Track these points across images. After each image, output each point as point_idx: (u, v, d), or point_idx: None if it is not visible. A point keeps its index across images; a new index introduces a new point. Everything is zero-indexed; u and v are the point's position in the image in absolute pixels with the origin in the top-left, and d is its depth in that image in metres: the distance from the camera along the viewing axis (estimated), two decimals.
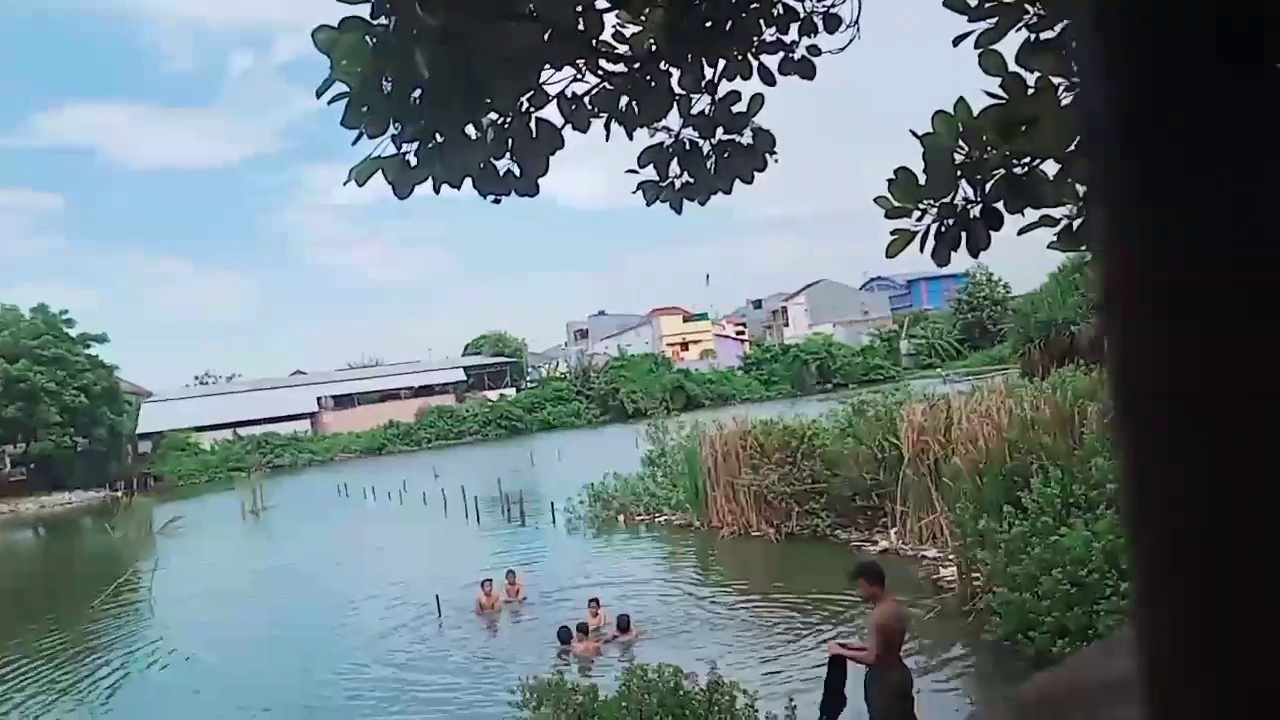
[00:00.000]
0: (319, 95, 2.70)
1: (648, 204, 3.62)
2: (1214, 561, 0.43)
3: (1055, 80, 2.54)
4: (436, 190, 2.97)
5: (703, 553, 19.55)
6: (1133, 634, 0.41)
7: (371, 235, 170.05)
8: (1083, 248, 2.78)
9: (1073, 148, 2.57)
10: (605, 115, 3.35)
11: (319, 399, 75.78)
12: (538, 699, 8.16)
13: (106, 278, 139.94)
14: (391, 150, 2.83)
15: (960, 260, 2.95)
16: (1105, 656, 0.68)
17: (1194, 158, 0.56)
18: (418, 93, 2.71)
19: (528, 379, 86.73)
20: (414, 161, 2.86)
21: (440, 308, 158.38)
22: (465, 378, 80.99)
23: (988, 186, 2.75)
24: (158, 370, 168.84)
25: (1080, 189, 2.68)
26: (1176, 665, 0.42)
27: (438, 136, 2.85)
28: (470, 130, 2.91)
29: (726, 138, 3.62)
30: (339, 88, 2.69)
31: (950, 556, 14.46)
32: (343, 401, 76.33)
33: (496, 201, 3.15)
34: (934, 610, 12.71)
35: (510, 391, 79.09)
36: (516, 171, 3.08)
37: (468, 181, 3.06)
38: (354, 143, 2.71)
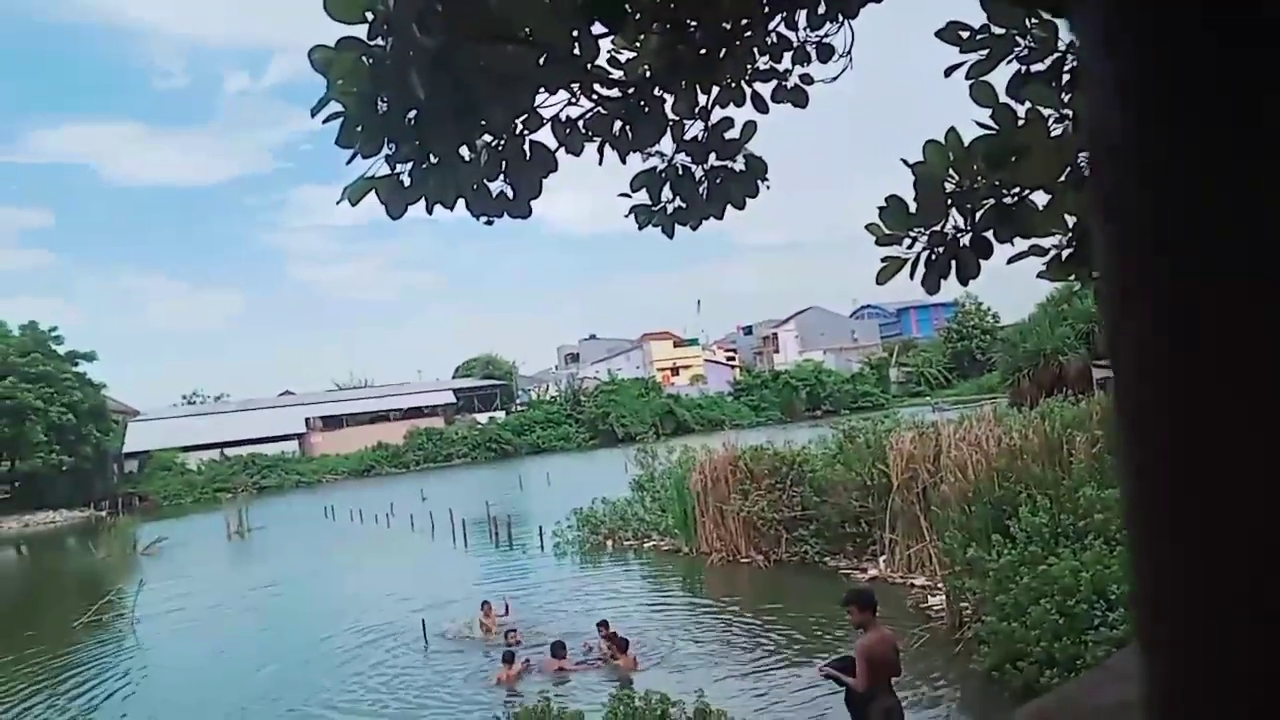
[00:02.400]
0: (314, 114, 2.71)
1: (640, 228, 3.63)
2: (1214, 590, 0.43)
3: (1045, 111, 2.57)
4: (429, 210, 2.98)
5: (691, 579, 19.46)
6: (1136, 658, 0.40)
7: (363, 255, 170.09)
8: (1071, 277, 2.80)
9: (1062, 178, 2.60)
10: (599, 139, 3.37)
11: (307, 420, 75.42)
12: None
13: (96, 295, 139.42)
14: (385, 170, 2.85)
15: (950, 289, 2.97)
16: (1095, 685, 0.68)
17: (1204, 168, 0.56)
18: (413, 113, 2.72)
19: (518, 402, 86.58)
20: (408, 182, 2.87)
21: (431, 329, 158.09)
22: (455, 400, 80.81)
23: (978, 215, 2.77)
24: (145, 389, 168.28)
25: (1069, 219, 2.70)
26: (1178, 687, 0.41)
27: (432, 157, 2.86)
28: (464, 151, 2.92)
29: (719, 163, 3.65)
30: (334, 107, 2.70)
31: (939, 585, 14.43)
32: (331, 423, 75.99)
33: (489, 223, 3.16)
34: (923, 639, 12.65)
35: (500, 414, 78.89)
36: (509, 193, 3.10)
37: (460, 202, 3.07)
38: (348, 162, 2.72)
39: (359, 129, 2.72)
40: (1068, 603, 10.03)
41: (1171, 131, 0.56)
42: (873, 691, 7.74)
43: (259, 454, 69.11)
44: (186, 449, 67.27)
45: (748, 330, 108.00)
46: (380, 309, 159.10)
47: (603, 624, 14.29)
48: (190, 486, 64.00)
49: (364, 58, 2.50)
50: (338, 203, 2.81)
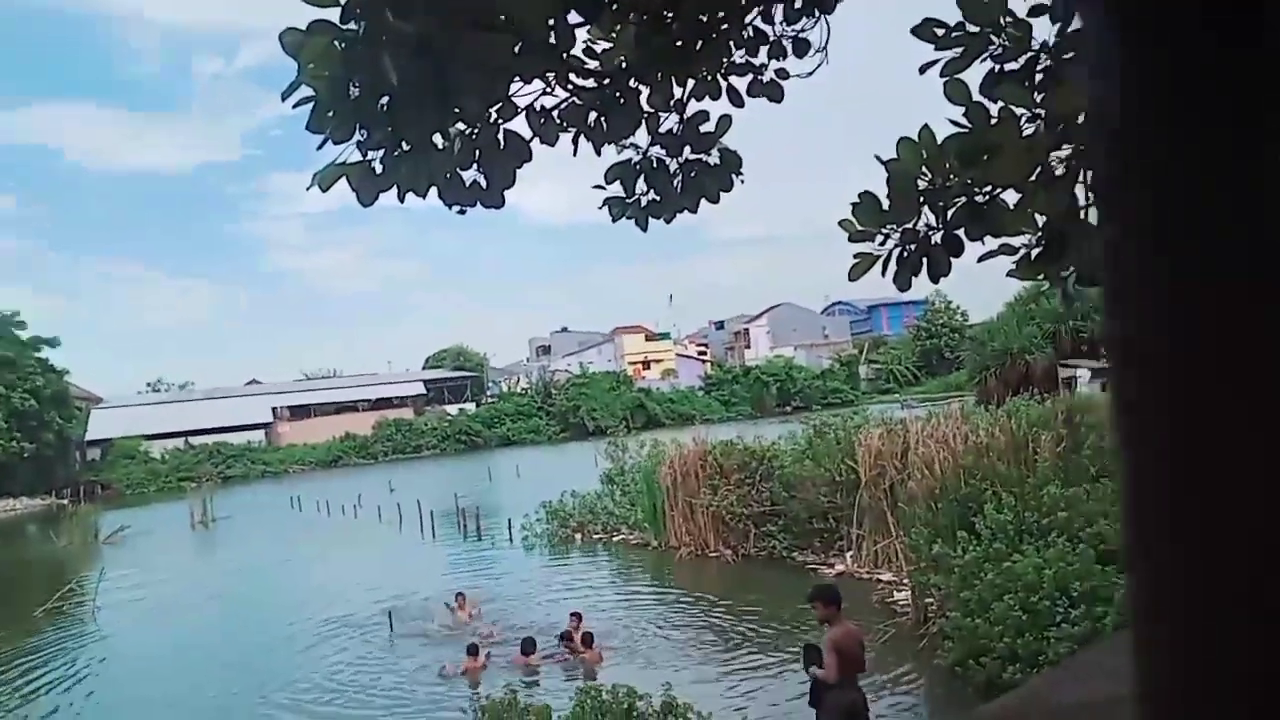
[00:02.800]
0: (284, 98, 2.67)
1: (613, 220, 3.62)
2: (1214, 590, 0.43)
3: (1017, 111, 2.58)
4: (401, 199, 2.95)
5: (660, 572, 19.50)
6: (1129, 656, 0.40)
7: (332, 245, 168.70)
8: (1040, 276, 2.83)
9: (1033, 178, 2.62)
10: (573, 130, 3.35)
11: (274, 409, 74.69)
12: (489, 718, 8.06)
13: (61, 281, 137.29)
14: (357, 157, 2.81)
15: (920, 287, 2.99)
16: (1057, 683, 0.67)
17: (1204, 168, 0.55)
18: (385, 99, 2.69)
19: (488, 394, 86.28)
20: (379, 169, 2.83)
21: (401, 319, 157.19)
22: (425, 391, 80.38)
23: (949, 213, 2.79)
24: (110, 376, 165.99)
25: (1039, 219, 2.72)
26: (1177, 687, 0.41)
27: (404, 145, 2.83)
28: (437, 139, 2.90)
29: (694, 157, 3.65)
30: (305, 91, 2.66)
31: (904, 580, 14.56)
32: (299, 412, 75.30)
33: (462, 212, 3.13)
34: (888, 634, 12.76)
35: (470, 406, 78.57)
36: (483, 183, 3.07)
37: (433, 191, 3.05)
38: (319, 147, 2.68)
39: (330, 114, 2.69)
40: (1030, 599, 10.15)
41: (1171, 131, 0.56)
42: (841, 682, 7.81)
43: (224, 443, 68.39)
44: (150, 437, 66.39)
45: (720, 325, 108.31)
46: (349, 299, 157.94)
47: (575, 615, 14.27)
48: (154, 475, 63.22)
49: (336, 42, 2.46)
50: (308, 188, 2.78)
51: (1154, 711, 0.41)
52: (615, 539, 23.19)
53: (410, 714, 12.00)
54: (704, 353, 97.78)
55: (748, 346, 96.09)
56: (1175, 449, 0.51)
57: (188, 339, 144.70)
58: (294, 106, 2.67)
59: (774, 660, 12.46)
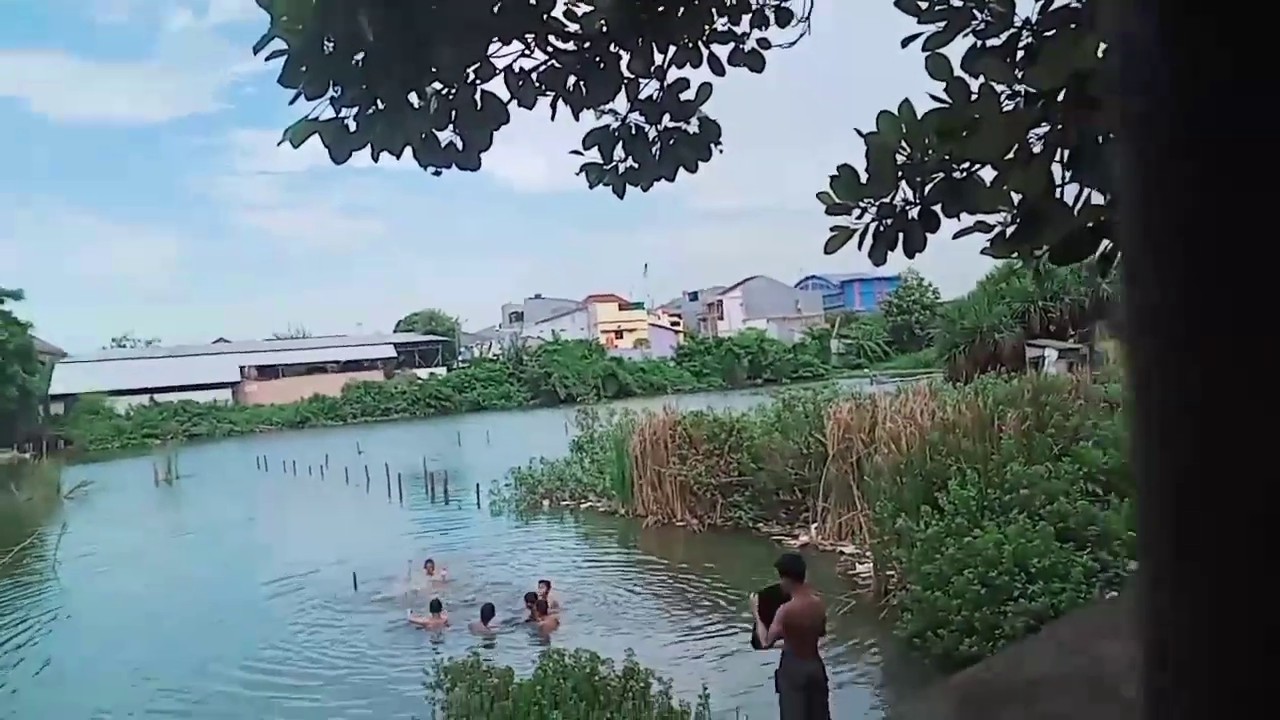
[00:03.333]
0: (256, 51, 2.61)
1: (590, 186, 3.60)
2: (1223, 546, 0.40)
3: (997, 87, 2.58)
4: (375, 158, 2.91)
5: (626, 540, 19.61)
6: (1137, 617, 0.38)
7: (303, 204, 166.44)
8: (1014, 255, 2.84)
9: (1010, 155, 2.62)
10: (552, 94, 3.31)
11: (242, 368, 73.94)
12: (451, 680, 8.10)
13: (24, 232, 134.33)
14: (330, 113, 2.76)
15: (894, 264, 2.99)
16: (1027, 656, 0.68)
17: (1230, 141, 0.49)
18: (360, 55, 2.64)
19: (459, 359, 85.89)
20: (353, 127, 2.78)
21: (372, 282, 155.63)
22: (395, 354, 79.87)
23: (927, 189, 2.79)
24: (74, 331, 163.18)
25: (1015, 197, 2.73)
26: (1180, 652, 0.39)
27: (379, 103, 2.79)
28: (413, 98, 2.85)
29: (673, 125, 3.62)
30: (278, 44, 2.60)
31: (867, 553, 14.75)
32: (266, 372, 74.61)
33: (437, 174, 3.09)
34: (849, 605, 12.94)
35: (441, 371, 78.18)
36: (459, 144, 3.03)
37: (408, 151, 3.00)
38: (291, 102, 2.63)
39: (303, 69, 2.63)
40: (989, 574, 10.33)
41: (1204, 92, 0.50)
42: (799, 654, 7.91)
43: (190, 401, 67.67)
44: (115, 393, 65.54)
45: (693, 296, 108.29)
46: (320, 259, 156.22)
47: (544, 584, 14.33)
48: (118, 431, 62.49)
49: None
50: (279, 144, 2.72)
51: (1156, 683, 0.38)
52: (583, 506, 23.28)
53: (371, 674, 12.02)
54: (677, 323, 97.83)
55: (721, 318, 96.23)
56: (1189, 423, 0.47)
57: (154, 294, 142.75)
58: (266, 59, 2.61)
59: (734, 627, 12.61)
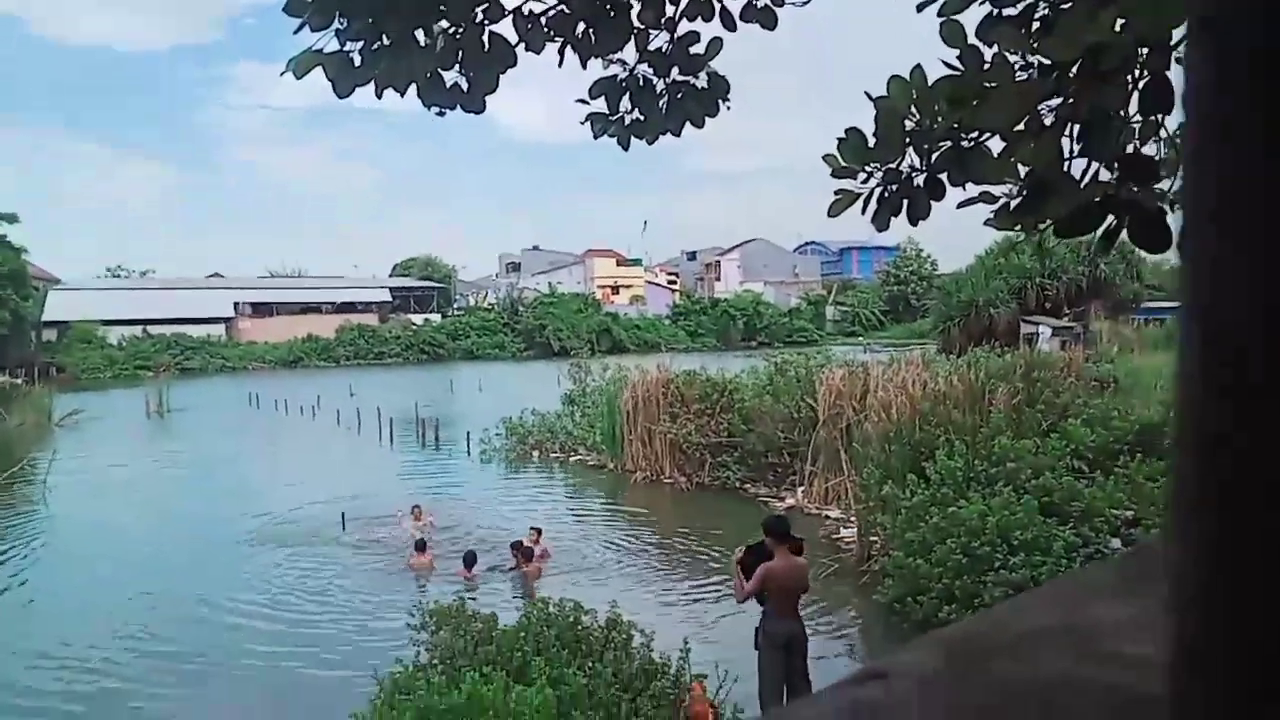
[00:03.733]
0: None
1: (595, 136, 3.56)
2: (1252, 505, 0.38)
3: (1011, 57, 2.55)
4: (379, 94, 2.87)
5: (614, 494, 19.75)
6: (1165, 573, 0.37)
7: (301, 142, 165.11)
8: (1017, 227, 2.82)
9: (1020, 126, 2.60)
10: (560, 39, 3.26)
11: (236, 304, 73.71)
12: (437, 623, 8.19)
13: (20, 156, 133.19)
14: (335, 46, 2.72)
15: (894, 232, 2.98)
16: (1024, 609, 0.68)
17: None
18: None
19: (455, 306, 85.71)
20: (358, 61, 2.75)
21: (370, 225, 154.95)
22: (390, 298, 79.66)
23: (934, 157, 2.77)
24: (68, 258, 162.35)
25: (1022, 169, 2.71)
26: (1202, 611, 0.37)
27: (385, 38, 2.74)
28: (420, 35, 2.81)
29: (681, 78, 3.58)
30: None
31: (852, 518, 14.88)
32: (261, 310, 74.42)
33: (441, 114, 3.06)
34: (832, 569, 13.09)
35: (436, 317, 78.07)
36: (464, 85, 2.99)
37: (411, 91, 2.96)
38: (295, 31, 2.59)
39: None
40: (972, 544, 10.44)
41: None
42: (779, 614, 8.03)
43: (183, 334, 67.58)
44: (108, 323, 65.34)
45: (691, 256, 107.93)
46: (319, 199, 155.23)
47: (535, 530, 14.45)
48: (110, 361, 62.45)
49: None
50: (282, 74, 2.69)
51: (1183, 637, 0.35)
52: (572, 459, 23.40)
53: (358, 616, 12.15)
54: (674, 282, 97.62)
55: (718, 279, 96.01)
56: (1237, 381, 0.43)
57: (149, 224, 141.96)
58: None
59: (717, 583, 12.76)
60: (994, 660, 0.58)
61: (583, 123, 3.53)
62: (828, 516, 16.21)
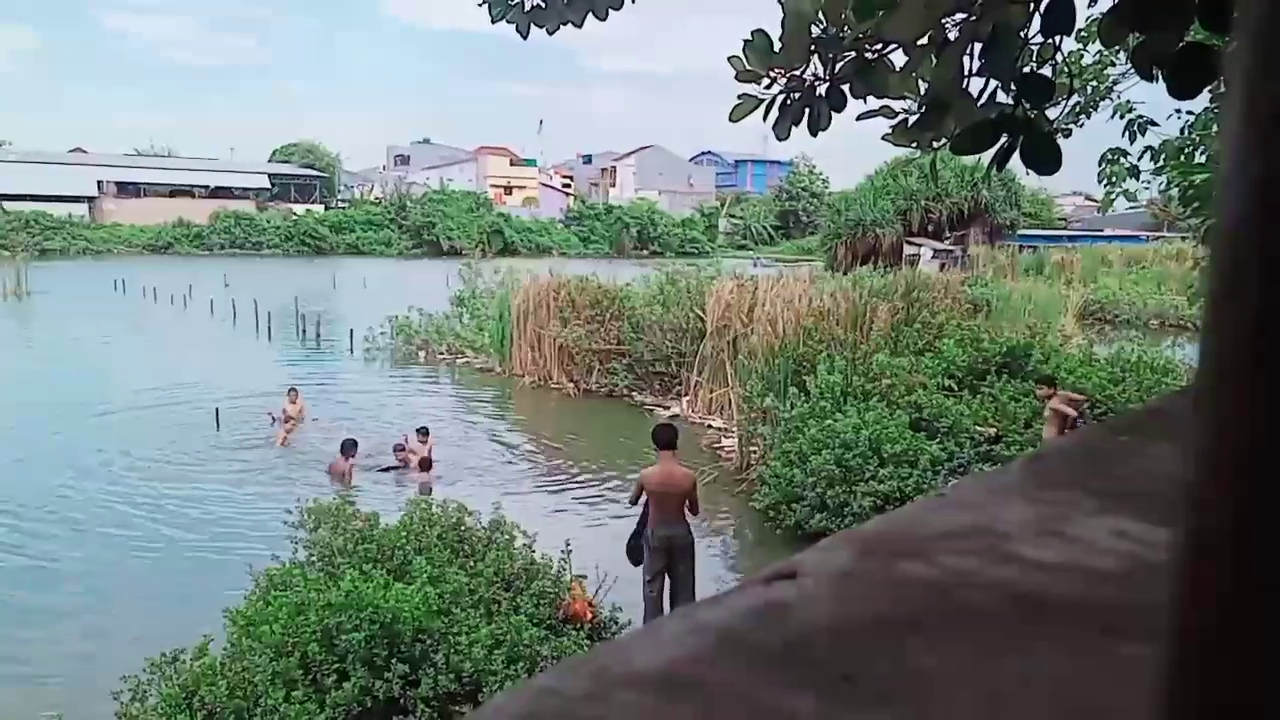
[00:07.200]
0: None
1: (493, 21, 3.40)
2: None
3: None
4: None
5: (501, 397, 19.70)
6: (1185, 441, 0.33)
7: (174, 8, 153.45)
8: (914, 144, 2.84)
9: (924, 40, 2.59)
10: None
11: (100, 183, 69.11)
12: (315, 521, 8.08)
13: None
14: None
15: (789, 145, 2.96)
16: (929, 513, 0.68)
17: None
18: None
19: (339, 198, 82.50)
20: None
21: (246, 106, 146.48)
22: (269, 185, 76.01)
23: (838, 66, 2.74)
24: None
25: (922, 85, 2.72)
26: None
27: None
28: None
29: None
30: None
31: (733, 429, 15.27)
32: (127, 190, 70.04)
33: None
34: (712, 476, 13.45)
35: (318, 208, 75.01)
36: None
37: None
38: None
39: None
40: (845, 455, 10.87)
41: None
42: (655, 521, 8.22)
43: (43, 213, 63.15)
44: None
45: (587, 159, 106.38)
46: (191, 73, 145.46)
47: (423, 430, 14.17)
48: None
49: None
50: None
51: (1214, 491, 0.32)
52: (459, 361, 23.16)
53: (230, 513, 11.88)
54: (568, 185, 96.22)
55: (613, 185, 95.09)
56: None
57: (4, 92, 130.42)
58: None
59: (601, 488, 12.98)
60: (903, 560, 0.58)
61: (480, 3, 3.36)
62: (710, 426, 16.59)
